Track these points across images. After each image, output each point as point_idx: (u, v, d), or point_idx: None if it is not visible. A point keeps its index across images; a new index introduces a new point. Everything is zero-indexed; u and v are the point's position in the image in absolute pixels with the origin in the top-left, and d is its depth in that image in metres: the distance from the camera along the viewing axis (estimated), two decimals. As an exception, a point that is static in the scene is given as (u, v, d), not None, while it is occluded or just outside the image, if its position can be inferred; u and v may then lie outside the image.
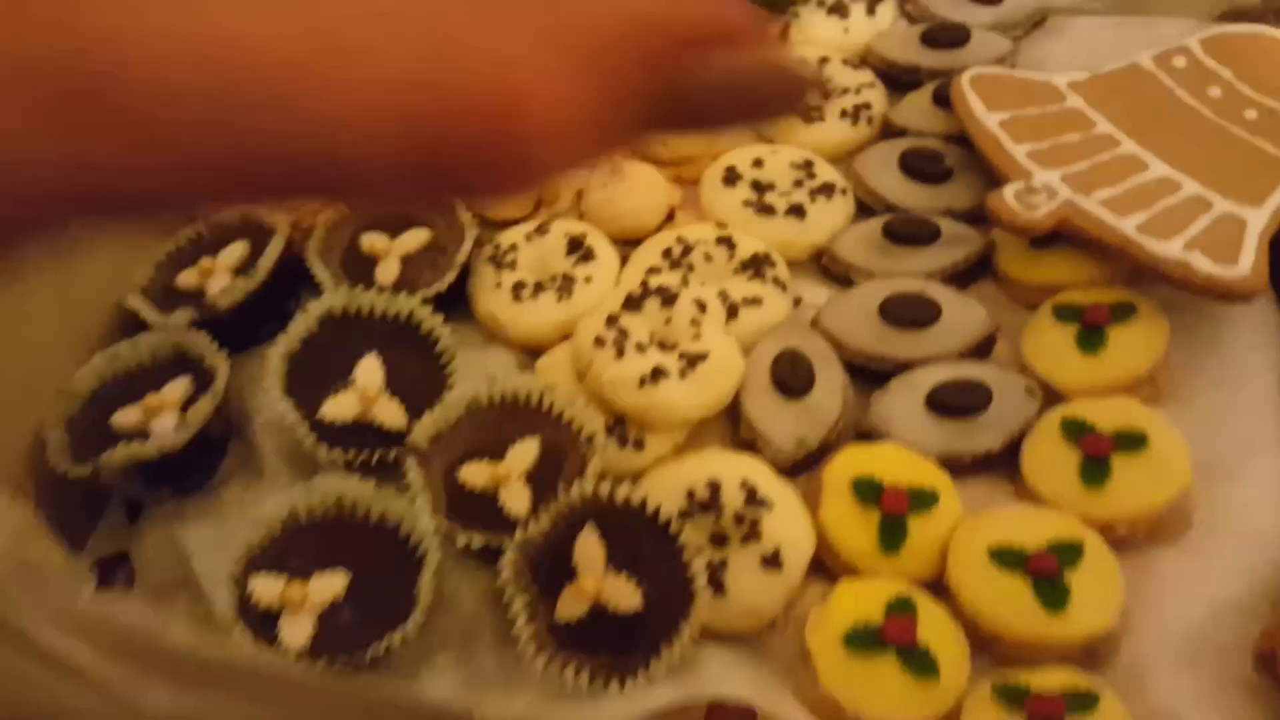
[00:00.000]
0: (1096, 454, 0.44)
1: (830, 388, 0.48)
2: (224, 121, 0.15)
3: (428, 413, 0.47)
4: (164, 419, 0.48)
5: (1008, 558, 0.41)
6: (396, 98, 0.16)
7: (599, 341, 0.48)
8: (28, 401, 0.47)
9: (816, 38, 0.64)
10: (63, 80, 0.14)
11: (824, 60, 0.62)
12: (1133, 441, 0.44)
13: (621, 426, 0.47)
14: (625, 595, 0.41)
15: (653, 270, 0.53)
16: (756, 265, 0.53)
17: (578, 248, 0.54)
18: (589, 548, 0.42)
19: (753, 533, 0.43)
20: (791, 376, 0.48)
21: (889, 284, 0.52)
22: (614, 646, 0.41)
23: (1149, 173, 0.50)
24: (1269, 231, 0.47)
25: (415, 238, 0.55)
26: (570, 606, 0.41)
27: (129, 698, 0.27)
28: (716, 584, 0.42)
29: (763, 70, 0.21)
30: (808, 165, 0.57)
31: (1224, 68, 0.54)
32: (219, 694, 0.27)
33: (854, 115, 0.60)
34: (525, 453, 0.46)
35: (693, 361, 0.47)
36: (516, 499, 0.44)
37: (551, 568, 0.42)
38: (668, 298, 0.50)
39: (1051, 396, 0.47)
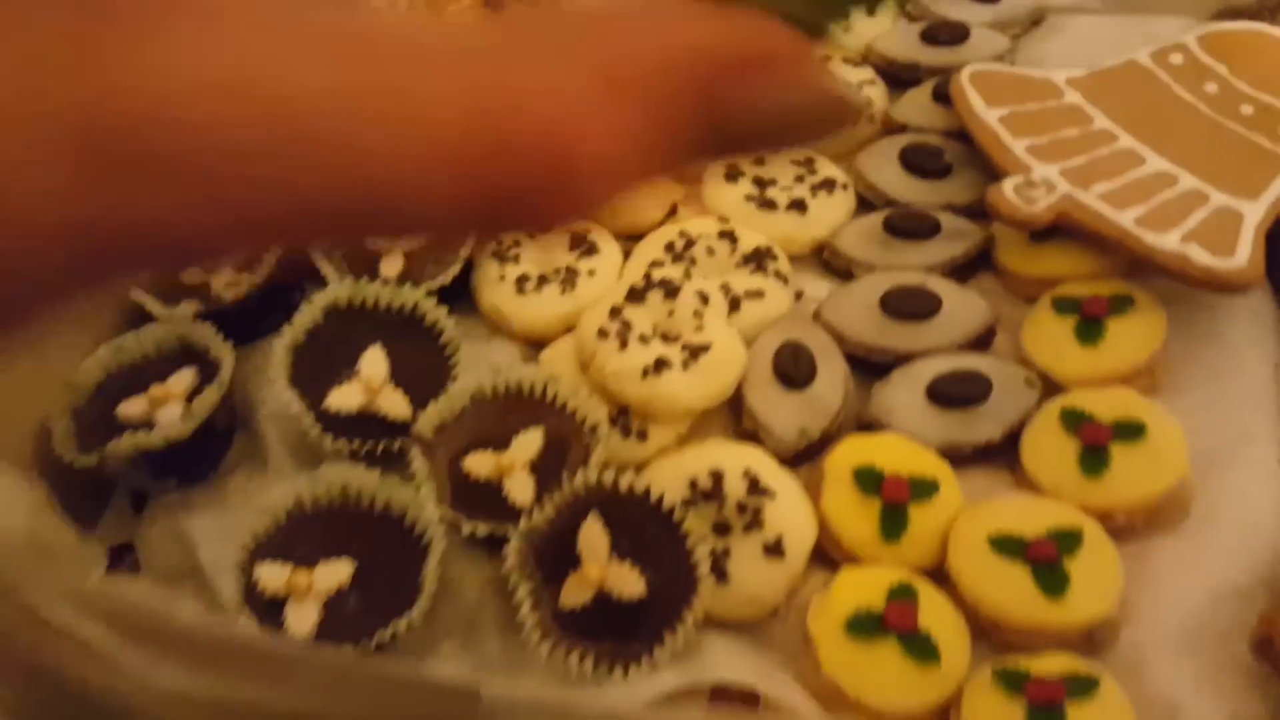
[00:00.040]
0: (1095, 443, 0.44)
1: (832, 379, 0.49)
2: (273, 169, 0.15)
3: (432, 403, 0.47)
4: (169, 409, 0.48)
5: (1008, 545, 0.42)
6: (449, 139, 0.16)
7: (602, 333, 0.48)
8: (35, 392, 0.47)
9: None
10: (104, 132, 0.13)
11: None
12: (1131, 431, 0.44)
13: (625, 417, 0.48)
14: (629, 582, 0.41)
15: (655, 264, 0.53)
16: (758, 259, 0.53)
17: (581, 242, 0.55)
18: (593, 536, 0.42)
19: (755, 521, 0.43)
20: (793, 368, 0.48)
21: (890, 277, 0.52)
22: (618, 633, 0.41)
23: (1146, 167, 0.51)
24: (1265, 224, 0.48)
25: (419, 232, 0.55)
26: (574, 594, 0.41)
27: (140, 675, 0.27)
28: (719, 572, 0.43)
29: (806, 94, 0.21)
30: (809, 161, 0.58)
31: (1220, 64, 0.55)
32: (229, 672, 0.27)
33: (854, 112, 0.60)
34: (529, 443, 0.46)
35: (695, 353, 0.48)
36: (521, 488, 0.45)
37: (556, 556, 0.43)
38: (670, 290, 0.50)
39: (1051, 387, 0.48)
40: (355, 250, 0.55)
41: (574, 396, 0.47)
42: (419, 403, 0.48)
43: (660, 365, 0.47)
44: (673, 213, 0.58)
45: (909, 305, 0.50)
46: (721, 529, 0.44)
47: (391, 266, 0.54)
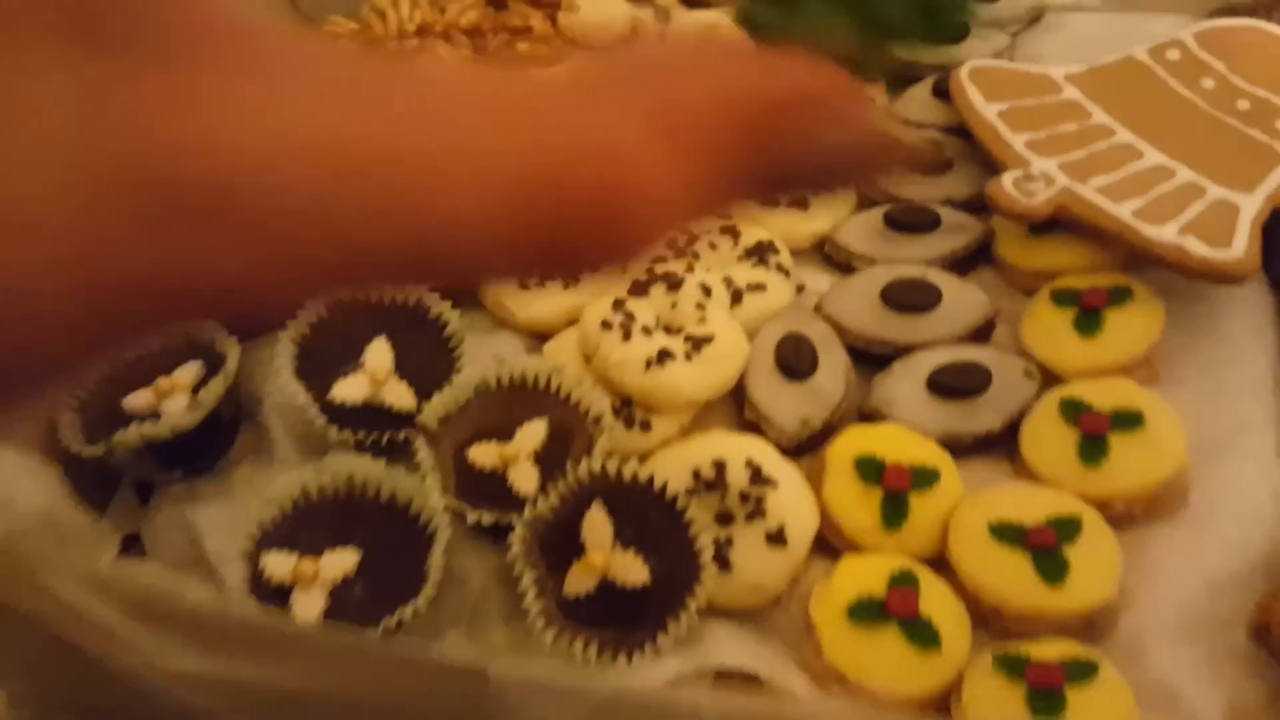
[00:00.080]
0: (1094, 433, 0.45)
1: (833, 370, 0.49)
2: (335, 223, 0.15)
3: (437, 394, 0.47)
4: (175, 401, 0.48)
5: (1007, 533, 0.42)
6: (509, 188, 0.16)
7: (606, 325, 0.49)
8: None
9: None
10: (167, 187, 0.13)
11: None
12: (1130, 420, 0.45)
13: (628, 408, 0.48)
14: (633, 570, 0.42)
15: (658, 257, 0.54)
16: (760, 252, 0.53)
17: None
18: (597, 524, 0.42)
19: (758, 510, 0.44)
20: (795, 359, 0.49)
21: (890, 270, 0.52)
22: (622, 621, 0.41)
23: (1144, 161, 0.51)
24: (1261, 216, 0.48)
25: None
26: (579, 582, 0.42)
27: (151, 655, 0.28)
28: (722, 561, 0.43)
29: (858, 134, 0.21)
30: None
31: (1217, 60, 0.56)
32: (239, 653, 0.28)
33: (854, 108, 0.61)
34: (533, 433, 0.46)
35: (698, 344, 0.48)
36: (525, 478, 0.45)
37: (560, 544, 0.43)
38: (673, 283, 0.51)
39: (1050, 379, 0.48)
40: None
41: (578, 388, 0.47)
42: (424, 394, 0.48)
43: (663, 356, 0.47)
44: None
45: (909, 298, 0.51)
46: (724, 518, 0.44)
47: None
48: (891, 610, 0.40)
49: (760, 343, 0.50)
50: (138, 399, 0.49)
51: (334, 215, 0.15)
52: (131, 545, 0.48)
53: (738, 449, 0.46)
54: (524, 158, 0.16)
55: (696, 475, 0.45)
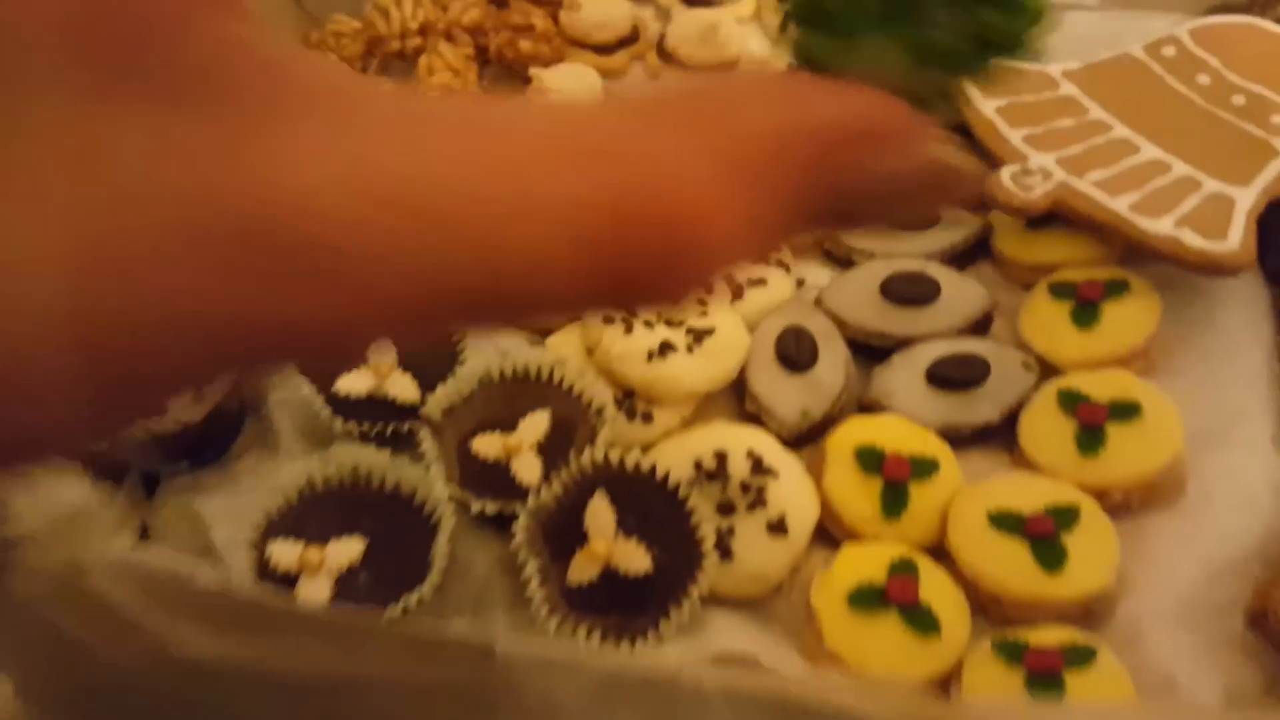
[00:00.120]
0: (1092, 423, 0.45)
1: (833, 362, 0.49)
2: (408, 264, 0.15)
3: (440, 386, 0.48)
4: (180, 394, 0.49)
5: (1006, 521, 0.43)
6: (575, 225, 0.16)
7: (608, 317, 0.49)
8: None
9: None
10: (243, 231, 0.14)
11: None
12: (1127, 410, 0.45)
13: (630, 400, 0.49)
14: (635, 558, 0.42)
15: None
16: (760, 247, 0.54)
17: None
18: (599, 513, 0.43)
19: (759, 500, 0.44)
20: (795, 351, 0.49)
21: (889, 264, 0.53)
22: (624, 608, 0.42)
23: (1140, 155, 0.52)
24: (1256, 210, 0.49)
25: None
26: (582, 570, 0.42)
27: (167, 640, 0.28)
28: (724, 550, 0.43)
29: (919, 167, 0.21)
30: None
31: (1212, 56, 0.56)
32: (251, 635, 0.28)
33: (853, 105, 0.61)
34: (536, 424, 0.47)
35: (700, 337, 0.49)
36: (528, 468, 0.46)
37: (563, 533, 0.43)
38: (674, 277, 0.51)
39: (1048, 370, 0.49)
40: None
41: (580, 379, 0.48)
42: (427, 386, 0.49)
43: (665, 349, 0.48)
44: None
45: (909, 291, 0.51)
46: (726, 508, 0.44)
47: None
48: (891, 597, 0.41)
49: (761, 335, 0.50)
50: (144, 392, 0.49)
51: (416, 261, 0.15)
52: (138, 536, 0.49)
53: (739, 440, 0.46)
54: (590, 196, 0.16)
55: (698, 466, 0.45)
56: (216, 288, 0.14)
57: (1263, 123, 0.52)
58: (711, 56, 0.64)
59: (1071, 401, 0.46)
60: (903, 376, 0.49)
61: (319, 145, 0.15)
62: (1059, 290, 0.50)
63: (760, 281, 0.53)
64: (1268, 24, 0.58)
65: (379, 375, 0.49)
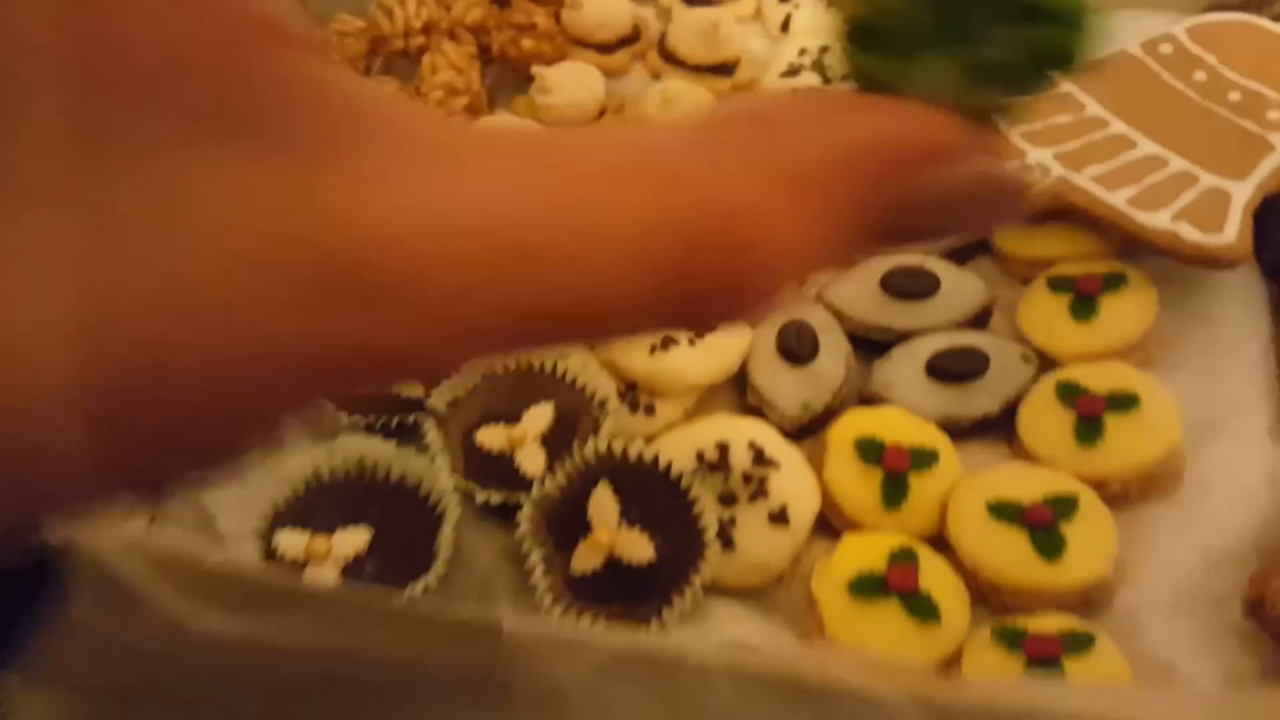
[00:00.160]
0: (1090, 414, 0.45)
1: (834, 355, 0.50)
2: (492, 293, 0.15)
3: (445, 380, 0.48)
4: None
5: (1005, 511, 0.43)
6: (646, 249, 0.17)
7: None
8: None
9: (818, 30, 0.67)
10: (327, 265, 0.14)
11: (825, 50, 0.64)
12: (1125, 402, 0.45)
13: (632, 392, 0.49)
14: (638, 547, 0.42)
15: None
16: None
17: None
18: (603, 503, 0.43)
19: (760, 491, 0.45)
20: (796, 344, 0.50)
21: (889, 258, 0.53)
22: (627, 597, 0.42)
23: (1137, 150, 0.52)
24: (1253, 204, 0.49)
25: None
26: (585, 559, 0.43)
27: (179, 618, 0.29)
28: (725, 540, 0.44)
29: (979, 183, 0.21)
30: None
31: (1208, 54, 0.57)
32: (262, 614, 0.29)
33: (853, 102, 0.62)
34: (540, 416, 0.47)
35: (701, 330, 0.49)
36: (532, 460, 0.46)
37: (567, 523, 0.44)
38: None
39: (1046, 363, 0.49)
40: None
41: (583, 372, 0.48)
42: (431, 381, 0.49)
43: (667, 341, 0.48)
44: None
45: (908, 284, 0.52)
46: (727, 499, 0.45)
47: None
48: (892, 585, 0.41)
49: (762, 328, 0.51)
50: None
51: (495, 290, 0.15)
52: (144, 528, 0.49)
53: (740, 431, 0.47)
54: (659, 222, 0.17)
55: (700, 457, 0.46)
56: (302, 322, 0.14)
57: (1258, 118, 0.53)
58: (712, 55, 0.65)
59: (1070, 393, 0.46)
60: (903, 369, 0.49)
61: (398, 180, 0.15)
62: (1057, 284, 0.51)
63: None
64: (1263, 22, 0.58)
65: (384, 368, 0.49)
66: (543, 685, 0.26)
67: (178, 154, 0.13)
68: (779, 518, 0.44)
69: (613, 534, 0.43)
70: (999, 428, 0.48)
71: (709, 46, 0.64)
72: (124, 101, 0.13)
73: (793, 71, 0.63)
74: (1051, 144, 0.53)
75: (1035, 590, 0.42)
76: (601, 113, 0.63)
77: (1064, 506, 0.43)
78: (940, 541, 0.44)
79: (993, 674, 0.39)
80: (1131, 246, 0.51)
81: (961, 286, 0.52)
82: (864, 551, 0.43)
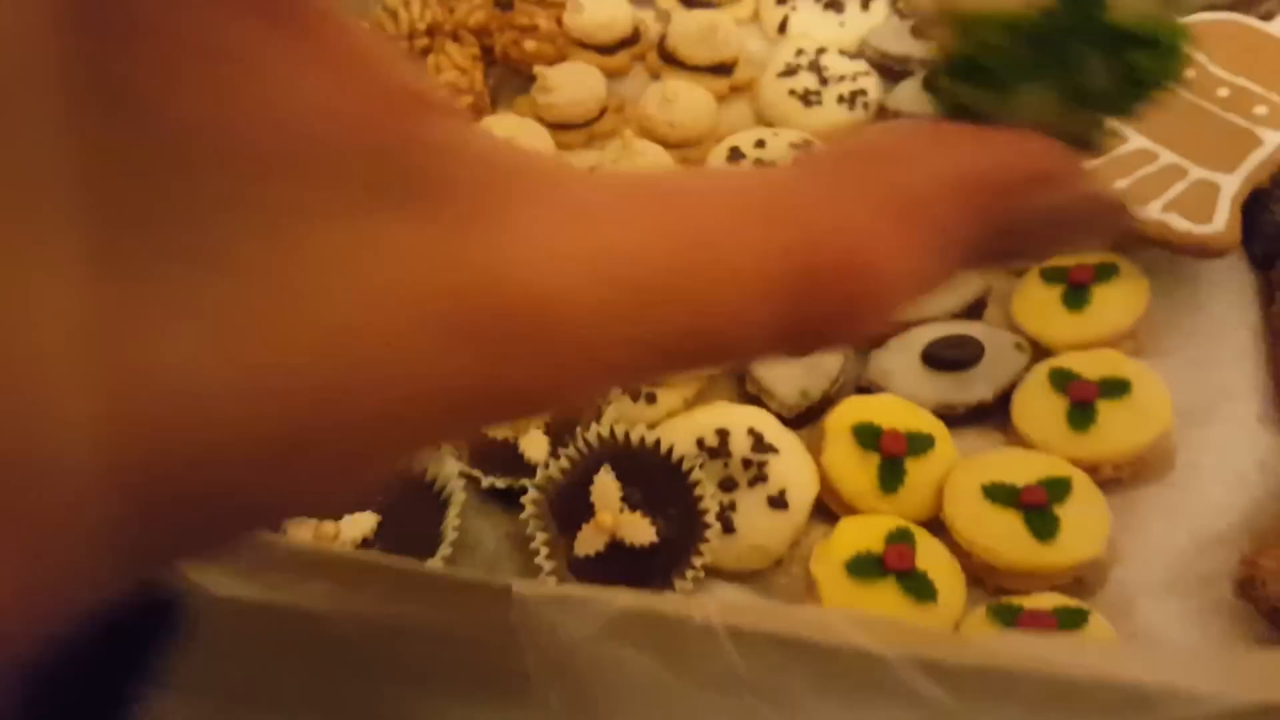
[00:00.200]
0: (1083, 400, 0.46)
1: (831, 345, 0.51)
2: (624, 330, 0.16)
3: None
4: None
5: (1000, 493, 0.44)
6: (766, 280, 0.18)
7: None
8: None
9: (814, 32, 0.68)
10: (482, 312, 0.15)
11: (821, 51, 0.66)
12: (1117, 387, 0.46)
13: (634, 381, 0.50)
14: (640, 530, 0.43)
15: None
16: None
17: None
18: (605, 487, 0.44)
19: (760, 476, 0.46)
20: (794, 334, 0.51)
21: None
22: (630, 579, 0.43)
23: (1127, 145, 0.53)
24: (1241, 195, 0.50)
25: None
26: (589, 542, 0.44)
27: (196, 582, 0.29)
28: (726, 524, 0.45)
29: (1082, 203, 0.22)
30: (807, 146, 0.60)
31: (1198, 51, 0.58)
32: (278, 577, 0.29)
33: (850, 101, 0.63)
34: (543, 404, 0.48)
35: (701, 320, 0.50)
36: (535, 446, 0.47)
37: (570, 507, 0.45)
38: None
39: (1040, 353, 0.50)
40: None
41: (586, 361, 0.49)
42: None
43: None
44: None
45: (904, 276, 0.53)
46: (727, 484, 0.46)
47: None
48: (889, 565, 0.42)
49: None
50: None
51: (631, 328, 0.17)
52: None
53: (740, 419, 0.48)
54: (780, 256, 0.18)
55: (701, 444, 0.47)
56: (458, 366, 0.15)
57: (1246, 113, 0.54)
58: (711, 56, 0.66)
59: (1063, 380, 0.47)
60: (899, 358, 0.50)
61: (537, 231, 0.16)
62: (1050, 275, 0.52)
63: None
64: (1251, 20, 0.59)
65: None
66: (551, 643, 0.27)
67: (338, 218, 0.15)
68: (778, 502, 0.45)
69: (615, 517, 0.43)
70: (993, 415, 0.49)
71: (708, 47, 0.66)
72: (288, 171, 0.14)
73: (789, 72, 0.64)
74: (1044, 139, 0.54)
75: (1030, 570, 0.42)
76: (602, 112, 0.64)
77: (1057, 489, 0.44)
78: (936, 525, 0.45)
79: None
80: (1123, 236, 0.52)
81: (956, 277, 0.53)
82: (862, 533, 0.43)
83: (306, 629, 0.28)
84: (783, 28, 0.69)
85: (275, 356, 0.14)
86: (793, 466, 0.46)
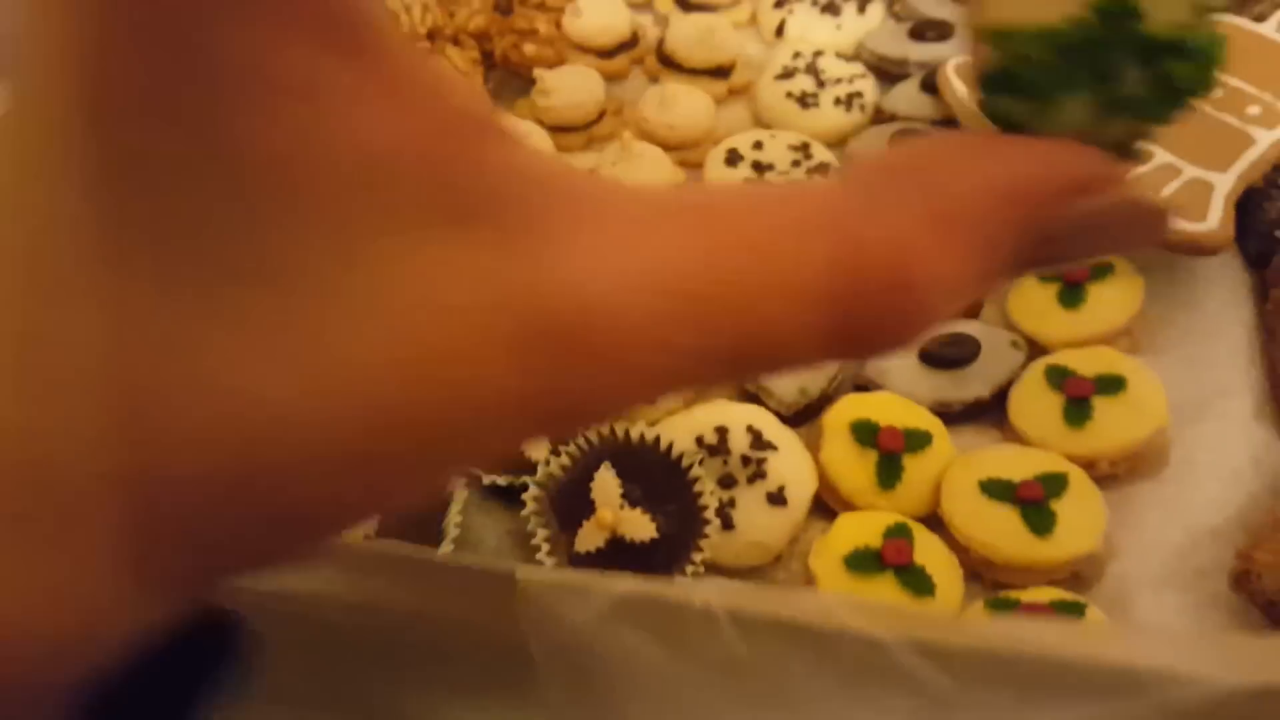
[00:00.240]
0: (1079, 396, 0.47)
1: (829, 343, 0.51)
2: (679, 342, 0.17)
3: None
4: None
5: (997, 488, 0.44)
6: (814, 290, 0.18)
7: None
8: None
9: (811, 35, 0.68)
10: (545, 329, 0.16)
11: (818, 54, 0.66)
12: (1112, 384, 0.47)
13: (633, 380, 0.50)
14: (640, 526, 0.44)
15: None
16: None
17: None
18: (605, 483, 0.44)
19: (759, 472, 0.46)
20: (792, 333, 0.51)
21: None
22: (631, 574, 0.43)
23: (1123, 145, 0.54)
24: (1235, 194, 0.51)
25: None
26: (589, 538, 0.44)
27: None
28: (725, 520, 0.45)
29: (1123, 210, 0.23)
30: (804, 147, 0.61)
31: (1191, 53, 0.58)
32: (290, 570, 0.30)
33: (847, 103, 0.63)
34: (544, 402, 0.48)
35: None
36: (536, 445, 0.47)
37: (571, 504, 0.45)
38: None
39: (1036, 350, 0.51)
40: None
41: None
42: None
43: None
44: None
45: (901, 275, 0.53)
46: (727, 481, 0.46)
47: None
48: (887, 560, 0.42)
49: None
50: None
51: (685, 340, 0.17)
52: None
53: (739, 416, 0.48)
54: (829, 267, 0.18)
55: (700, 441, 0.47)
56: (518, 380, 0.16)
57: (1239, 113, 0.54)
58: (708, 59, 0.66)
59: (1059, 376, 0.48)
60: (896, 356, 0.51)
61: (592, 248, 0.17)
62: (1045, 273, 0.52)
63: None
64: (1244, 22, 0.60)
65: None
66: (554, 628, 0.27)
67: (404, 241, 0.15)
68: (777, 498, 0.45)
69: (615, 514, 0.44)
70: (990, 412, 0.49)
71: (706, 50, 0.66)
72: (356, 196, 0.15)
73: (787, 74, 0.65)
74: (1039, 139, 0.55)
75: (1027, 565, 0.43)
76: (601, 115, 0.65)
77: (1054, 484, 0.44)
78: (934, 521, 0.45)
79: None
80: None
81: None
82: (860, 529, 0.44)
83: (309, 615, 0.29)
84: (780, 31, 0.69)
85: (347, 372, 0.15)
86: (791, 463, 0.47)
